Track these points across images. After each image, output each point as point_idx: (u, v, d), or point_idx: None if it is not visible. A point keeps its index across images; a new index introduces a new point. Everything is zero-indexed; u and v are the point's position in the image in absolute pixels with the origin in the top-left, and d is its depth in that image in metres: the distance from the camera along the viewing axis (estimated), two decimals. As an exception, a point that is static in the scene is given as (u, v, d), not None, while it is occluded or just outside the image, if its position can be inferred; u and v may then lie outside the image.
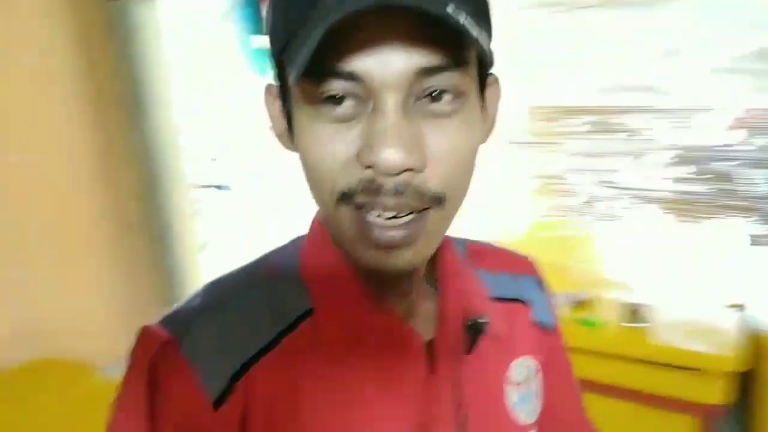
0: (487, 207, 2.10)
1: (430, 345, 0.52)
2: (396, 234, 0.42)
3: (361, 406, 0.49)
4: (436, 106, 0.41)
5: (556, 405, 0.63)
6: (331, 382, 0.49)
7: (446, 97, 0.41)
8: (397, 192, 0.41)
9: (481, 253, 0.62)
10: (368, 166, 0.41)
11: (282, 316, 0.49)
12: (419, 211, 0.42)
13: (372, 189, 0.41)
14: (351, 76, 0.40)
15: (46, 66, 1.48)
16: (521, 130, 2.37)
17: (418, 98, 0.41)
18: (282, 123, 0.49)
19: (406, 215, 0.42)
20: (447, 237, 0.55)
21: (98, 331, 1.60)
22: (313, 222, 0.55)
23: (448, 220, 0.46)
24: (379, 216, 0.42)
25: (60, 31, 1.51)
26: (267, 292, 0.51)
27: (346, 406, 0.49)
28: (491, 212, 2.15)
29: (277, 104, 0.49)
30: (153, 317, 0.50)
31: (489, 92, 0.49)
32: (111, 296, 1.66)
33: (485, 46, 0.42)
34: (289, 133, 0.48)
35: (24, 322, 1.47)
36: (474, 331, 0.52)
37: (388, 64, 0.39)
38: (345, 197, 0.43)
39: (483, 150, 0.47)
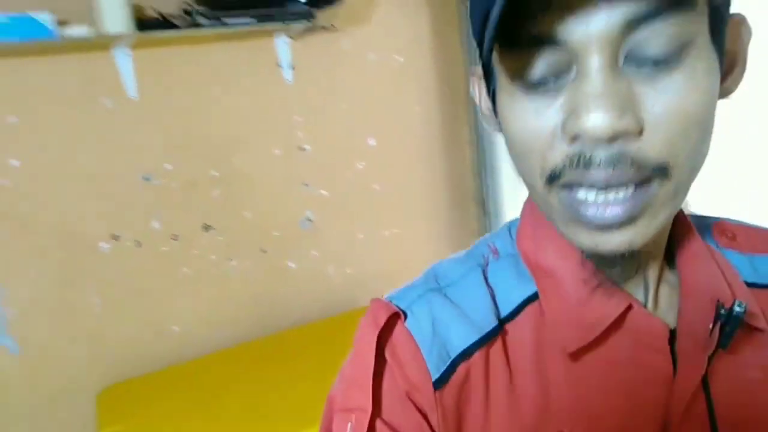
0: None
1: (672, 337, 0.44)
2: (612, 212, 0.36)
3: (593, 404, 0.43)
4: (654, 60, 0.35)
5: None
6: (558, 369, 0.44)
7: (664, 50, 0.35)
8: (611, 164, 0.35)
9: (731, 231, 0.53)
10: (574, 138, 0.36)
11: (504, 300, 0.46)
12: (638, 184, 0.36)
13: (581, 163, 0.36)
14: (547, 40, 0.36)
15: (408, 60, 1.80)
16: None
17: (630, 55, 0.35)
18: (487, 104, 0.46)
19: (624, 189, 0.36)
20: (688, 215, 0.50)
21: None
22: (525, 203, 0.51)
23: (677, 195, 0.38)
24: (591, 193, 0.37)
25: (421, 30, 1.81)
26: (487, 276, 0.48)
27: (573, 399, 0.44)
28: None
29: (482, 85, 0.46)
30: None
31: (732, 32, 0.40)
32: (441, 255, 1.93)
33: None
34: (494, 114, 0.45)
35: (370, 268, 1.83)
36: (728, 321, 0.43)
37: (588, 20, 0.34)
38: (553, 178, 0.38)
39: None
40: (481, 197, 1.93)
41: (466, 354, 0.44)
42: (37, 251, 1.39)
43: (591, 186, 0.37)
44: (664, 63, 0.35)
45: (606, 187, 0.36)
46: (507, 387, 0.44)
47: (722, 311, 0.43)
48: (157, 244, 1.51)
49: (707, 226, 0.53)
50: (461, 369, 0.43)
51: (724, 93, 0.41)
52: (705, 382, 0.44)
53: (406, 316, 0.45)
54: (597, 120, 0.34)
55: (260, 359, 1.47)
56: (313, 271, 1.74)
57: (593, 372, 0.44)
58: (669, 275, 0.48)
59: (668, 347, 0.44)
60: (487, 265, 0.49)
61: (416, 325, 0.45)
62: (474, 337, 0.44)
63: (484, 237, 0.53)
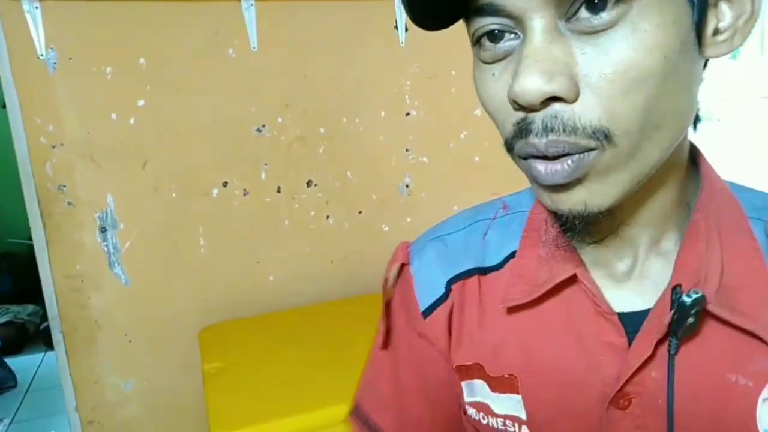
0: None
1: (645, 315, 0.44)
2: (556, 170, 0.36)
3: (542, 358, 0.47)
4: (593, 19, 0.34)
5: None
6: (520, 321, 0.48)
7: (609, 3, 0.33)
8: (546, 128, 0.35)
9: None
10: (514, 103, 0.36)
11: (492, 253, 0.51)
12: (582, 152, 0.36)
13: (522, 130, 0.37)
14: (489, 7, 0.36)
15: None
16: None
17: (571, 15, 0.34)
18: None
19: (565, 156, 0.36)
20: (732, 185, 0.46)
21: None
22: None
23: (631, 159, 0.37)
24: (536, 162, 0.38)
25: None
26: (487, 231, 0.52)
27: (528, 348, 0.47)
28: None
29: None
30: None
31: None
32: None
33: None
34: None
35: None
36: (679, 308, 0.41)
37: None
38: (508, 146, 0.39)
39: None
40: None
41: (448, 286, 0.52)
42: (154, 190, 1.45)
43: (534, 156, 0.37)
44: (605, 20, 0.34)
45: (544, 154, 0.36)
46: (477, 325, 0.50)
47: (677, 296, 0.41)
48: (263, 195, 1.55)
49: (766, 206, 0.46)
50: (448, 301, 0.52)
51: (724, 48, 0.38)
52: (672, 365, 0.42)
53: (412, 259, 0.55)
54: (525, 84, 0.34)
55: (345, 318, 1.49)
56: (405, 237, 1.72)
57: (546, 327, 0.47)
58: (670, 248, 0.46)
59: (618, 320, 0.44)
60: (494, 219, 0.53)
61: (417, 265, 0.54)
62: (456, 271, 0.52)
63: (508, 194, 0.57)
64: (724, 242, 0.44)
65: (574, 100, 0.35)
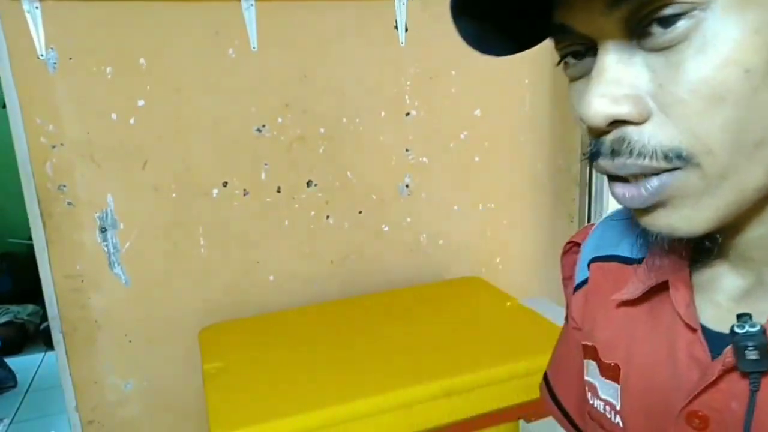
0: None
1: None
2: (633, 195, 0.36)
3: (642, 354, 0.47)
4: (663, 35, 0.32)
5: None
6: (630, 316, 0.49)
7: (681, 16, 0.31)
8: (613, 152, 0.35)
9: None
10: (584, 124, 0.36)
11: (640, 246, 0.50)
12: (662, 172, 0.34)
13: (595, 151, 0.36)
14: (564, 29, 0.36)
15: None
16: None
17: (641, 33, 0.33)
18: None
19: (641, 177, 0.35)
20: None
21: (521, 263, 1.86)
22: None
23: (731, 181, 0.34)
24: (613, 184, 0.38)
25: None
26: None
27: (632, 344, 0.48)
28: None
29: None
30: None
31: None
32: (534, 237, 1.89)
33: None
34: None
35: (462, 242, 1.81)
36: (735, 336, 0.37)
37: (591, 7, 0.33)
38: (590, 163, 0.39)
39: None
40: (584, 180, 1.86)
41: (589, 263, 0.55)
42: (154, 190, 1.45)
43: (609, 176, 0.37)
44: (673, 36, 0.32)
45: (616, 177, 0.36)
46: (602, 309, 0.52)
47: (735, 327, 0.38)
48: (263, 195, 1.55)
49: None
50: (586, 285, 0.55)
51: None
52: (752, 402, 0.38)
53: (581, 243, 0.58)
54: (588, 107, 0.34)
55: (345, 318, 1.49)
56: (405, 237, 1.74)
57: (647, 329, 0.47)
58: None
59: (701, 335, 0.42)
60: None
61: (583, 248, 0.57)
62: (598, 253, 0.54)
63: None
64: None
65: (644, 122, 0.34)
